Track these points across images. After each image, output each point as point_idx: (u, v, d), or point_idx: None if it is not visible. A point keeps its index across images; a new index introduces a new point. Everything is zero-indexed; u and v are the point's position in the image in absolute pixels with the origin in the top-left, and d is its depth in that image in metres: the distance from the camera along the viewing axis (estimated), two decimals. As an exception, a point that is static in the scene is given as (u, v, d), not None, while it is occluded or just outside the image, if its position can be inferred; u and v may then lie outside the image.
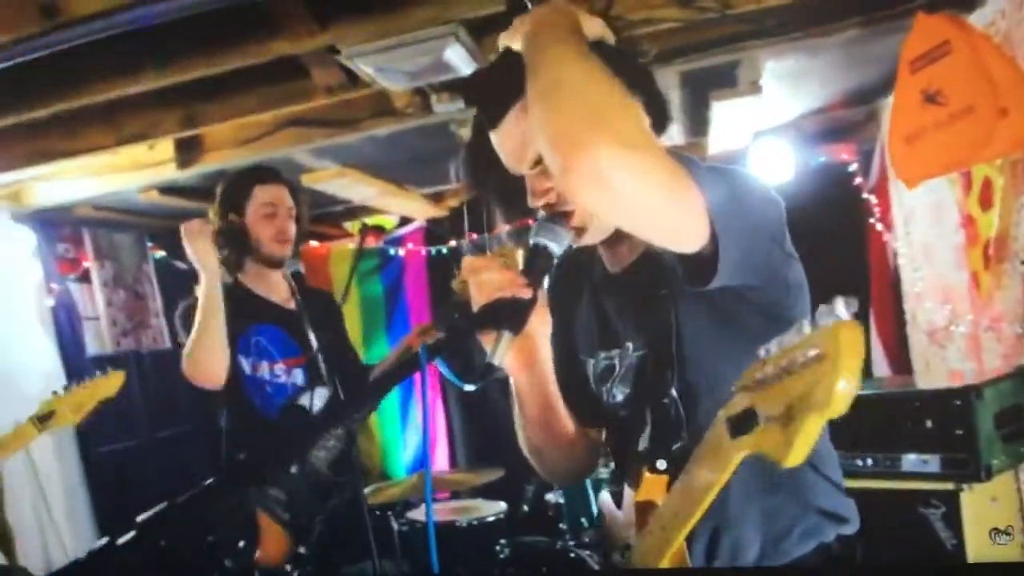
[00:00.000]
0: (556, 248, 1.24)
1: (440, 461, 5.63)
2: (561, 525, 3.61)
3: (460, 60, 2.77)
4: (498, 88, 1.28)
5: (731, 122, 3.97)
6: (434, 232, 5.68)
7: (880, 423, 2.52)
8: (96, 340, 4.47)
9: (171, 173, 3.74)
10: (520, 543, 3.41)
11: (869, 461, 2.54)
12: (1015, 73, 2.48)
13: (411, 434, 5.74)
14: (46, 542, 3.78)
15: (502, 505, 3.82)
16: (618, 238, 1.37)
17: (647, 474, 1.24)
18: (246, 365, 2.82)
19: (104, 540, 0.94)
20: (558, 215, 1.26)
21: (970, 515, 2.35)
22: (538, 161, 1.25)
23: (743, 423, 0.90)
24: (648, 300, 1.34)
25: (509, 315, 1.20)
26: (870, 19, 3.03)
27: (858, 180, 4.69)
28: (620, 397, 1.45)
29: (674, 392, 1.30)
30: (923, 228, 3.39)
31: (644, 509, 1.22)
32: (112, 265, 4.62)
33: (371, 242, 5.61)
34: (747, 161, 4.61)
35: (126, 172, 3.78)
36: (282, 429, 2.78)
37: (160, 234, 4.99)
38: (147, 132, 3.19)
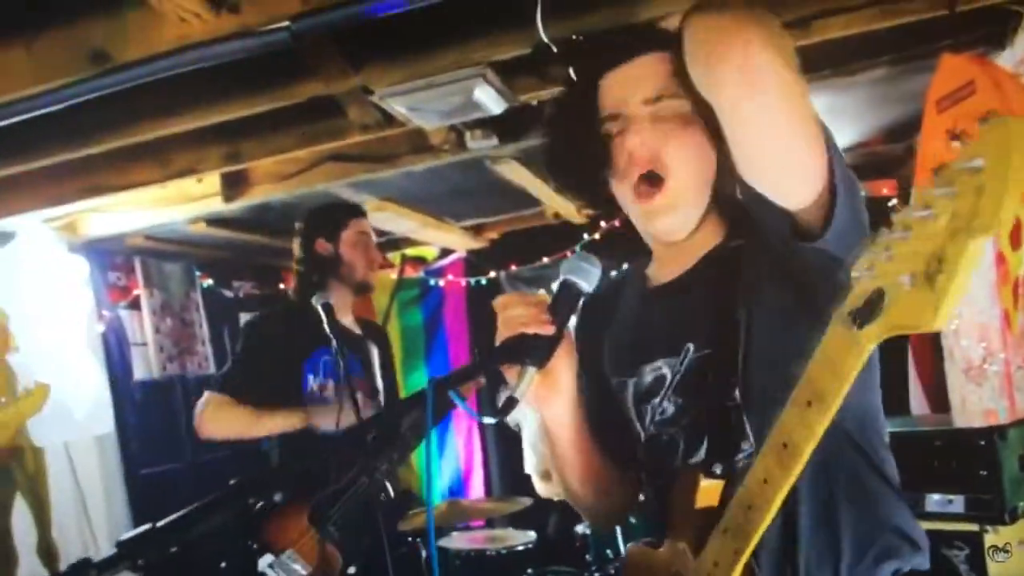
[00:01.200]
0: (585, 286, 1.25)
1: (475, 489, 5.67)
2: (587, 556, 3.62)
3: (489, 100, 2.85)
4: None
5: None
6: (473, 263, 5.76)
7: (906, 461, 2.50)
8: (143, 365, 4.62)
9: (218, 205, 3.88)
10: (547, 572, 3.43)
11: (894, 500, 2.51)
12: (1043, 112, 2.48)
13: (447, 463, 5.80)
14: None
15: (532, 535, 3.84)
16: (676, 243, 1.38)
17: (703, 480, 1.21)
18: (313, 384, 2.92)
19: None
20: (590, 249, 1.30)
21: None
22: (654, 99, 1.29)
23: (870, 310, 0.82)
24: (714, 300, 1.32)
25: (532, 350, 1.21)
26: (897, 58, 3.04)
27: (897, 215, 4.65)
28: (671, 411, 1.38)
29: (737, 395, 1.27)
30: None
31: (706, 517, 1.18)
32: (161, 293, 4.78)
33: (411, 272, 5.71)
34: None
35: (175, 204, 3.94)
36: (344, 448, 2.83)
37: (207, 263, 5.16)
38: (193, 167, 3.32)
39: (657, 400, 1.40)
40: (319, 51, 2.52)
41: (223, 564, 2.62)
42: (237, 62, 2.39)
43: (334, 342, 2.85)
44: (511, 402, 1.19)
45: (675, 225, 1.36)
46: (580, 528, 3.74)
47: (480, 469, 5.73)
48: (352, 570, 2.81)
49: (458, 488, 5.80)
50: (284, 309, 3.29)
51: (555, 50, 2.71)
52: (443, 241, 5.48)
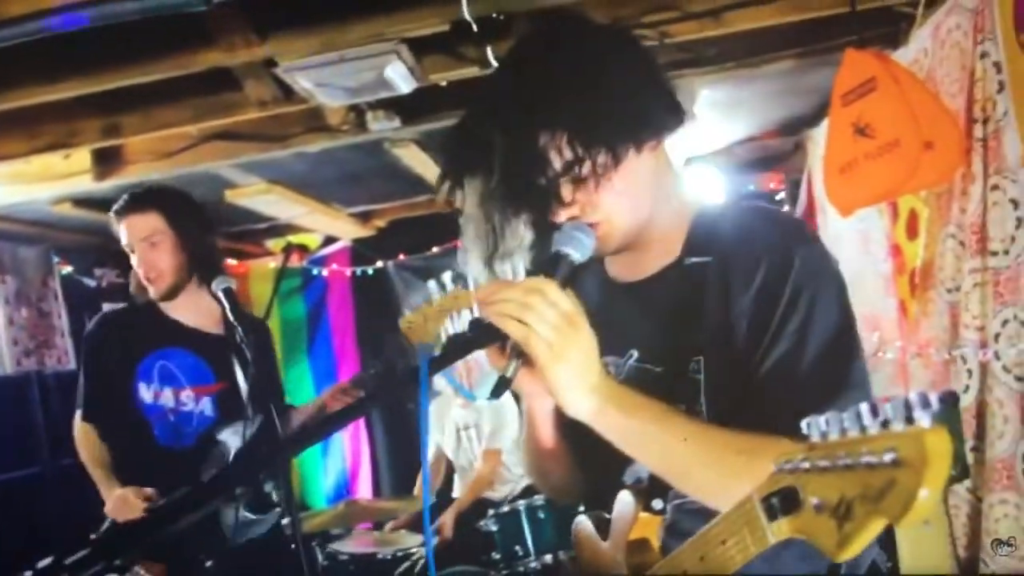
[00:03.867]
0: (579, 257, 1.18)
1: (363, 489, 5.50)
2: (494, 555, 3.53)
3: (400, 78, 2.73)
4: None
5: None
6: (360, 253, 5.58)
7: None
8: (-6, 360, 4.22)
9: (87, 184, 3.56)
10: (450, 574, 3.32)
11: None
12: (938, 108, 2.57)
13: (332, 462, 5.59)
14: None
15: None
16: (641, 246, 1.31)
17: (642, 512, 1.20)
18: (146, 392, 2.65)
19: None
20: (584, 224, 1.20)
21: (903, 538, 2.40)
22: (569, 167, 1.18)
23: (782, 503, 0.85)
24: (672, 312, 1.27)
25: None
26: (804, 52, 3.12)
27: (786, 208, 4.82)
28: None
29: None
30: (851, 256, 3.49)
31: (637, 548, 1.18)
32: (15, 280, 4.37)
33: (294, 261, 5.48)
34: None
35: (38, 182, 3.58)
36: (193, 462, 2.63)
37: (67, 249, 4.75)
38: (66, 141, 3.03)
39: None
40: (225, 18, 2.32)
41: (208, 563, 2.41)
42: (129, 24, 2.18)
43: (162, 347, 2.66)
44: (504, 381, 1.11)
45: (618, 248, 1.30)
46: (485, 525, 3.63)
47: (368, 468, 5.57)
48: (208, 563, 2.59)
49: (344, 488, 5.60)
50: (121, 311, 2.88)
51: (475, 28, 2.62)
52: (329, 228, 5.28)
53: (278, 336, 5.51)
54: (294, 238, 5.33)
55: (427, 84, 2.89)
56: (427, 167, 4.03)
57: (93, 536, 2.55)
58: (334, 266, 5.59)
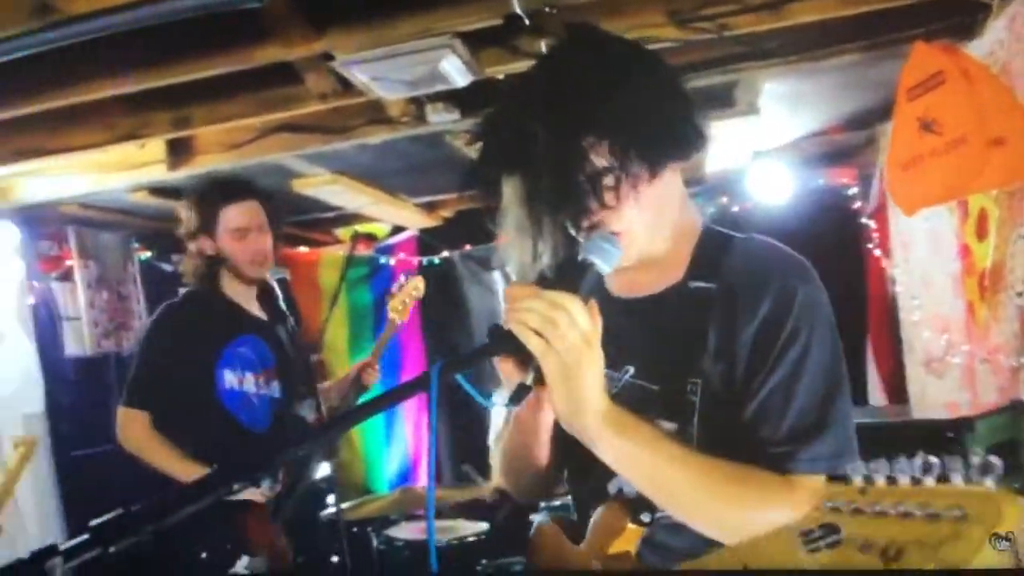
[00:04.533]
0: (605, 267, 1.20)
1: (424, 476, 5.57)
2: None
3: (455, 71, 2.74)
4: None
5: (729, 142, 3.96)
6: (426, 242, 5.64)
7: (871, 453, 2.49)
8: (76, 341, 4.41)
9: (161, 174, 3.69)
10: (502, 566, 3.32)
11: (857, 491, 2.50)
12: (1011, 104, 2.47)
13: (395, 449, 5.67)
14: (13, 542, 3.70)
15: (483, 525, 3.76)
16: (645, 264, 1.30)
17: (629, 524, 1.21)
18: (232, 379, 2.74)
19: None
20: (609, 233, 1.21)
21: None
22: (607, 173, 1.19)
23: (821, 536, 0.83)
24: (673, 333, 1.28)
25: None
26: (869, 45, 3.02)
27: (857, 204, 4.69)
28: None
29: None
30: (921, 256, 3.38)
31: (618, 558, 1.19)
32: (96, 265, 4.56)
33: (362, 250, 5.56)
34: (746, 181, 4.62)
35: (115, 171, 3.74)
36: (272, 440, 2.73)
37: (146, 235, 4.94)
38: (138, 132, 3.15)
39: None
40: (282, 13, 2.38)
41: (203, 555, 2.50)
42: (192, 21, 2.25)
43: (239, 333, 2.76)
44: (523, 389, 1.12)
45: (631, 261, 1.30)
46: (536, 517, 3.64)
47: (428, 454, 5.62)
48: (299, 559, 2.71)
49: (406, 475, 5.68)
50: (186, 300, 2.98)
51: (527, 22, 2.62)
52: (395, 218, 5.34)
53: (347, 322, 5.62)
54: (362, 227, 5.41)
55: (483, 77, 2.90)
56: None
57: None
58: (401, 255, 5.66)
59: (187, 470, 2.60)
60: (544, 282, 1.21)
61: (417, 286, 3.33)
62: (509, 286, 1.23)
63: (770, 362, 1.19)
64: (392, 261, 5.68)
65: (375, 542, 3.50)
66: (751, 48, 2.99)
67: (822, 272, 1.27)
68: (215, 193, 2.84)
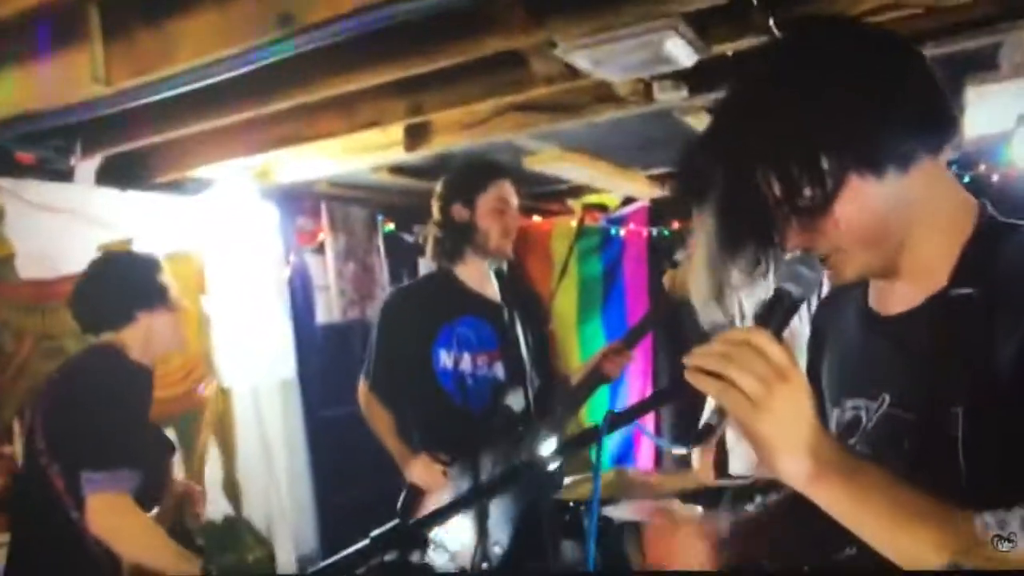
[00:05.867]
0: (802, 293, 1.10)
1: (643, 456, 5.53)
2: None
3: (680, 52, 2.64)
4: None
5: (990, 106, 3.54)
6: (658, 212, 5.54)
7: None
8: (326, 309, 4.77)
9: (400, 154, 3.88)
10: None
11: None
12: None
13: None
14: (268, 498, 4.11)
15: (698, 510, 3.66)
16: (902, 274, 1.18)
17: None
18: (447, 359, 2.84)
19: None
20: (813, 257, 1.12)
21: None
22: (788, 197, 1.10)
23: None
24: (932, 352, 1.13)
25: None
26: None
27: None
28: None
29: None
30: None
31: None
32: (345, 237, 4.89)
33: (593, 220, 5.56)
34: (1010, 145, 4.15)
35: (360, 153, 3.97)
36: (487, 422, 2.81)
37: (389, 209, 5.23)
38: (378, 120, 3.32)
39: (852, 441, 1.24)
40: (500, 6, 2.39)
41: None
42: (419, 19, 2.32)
43: (462, 314, 2.83)
44: (708, 430, 1.06)
45: (853, 279, 1.19)
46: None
47: (652, 433, 5.57)
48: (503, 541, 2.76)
49: (625, 453, 5.64)
50: (419, 282, 3.13)
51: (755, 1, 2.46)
52: (627, 189, 5.29)
53: (576, 292, 5.66)
54: (593, 198, 5.41)
55: (711, 55, 2.76)
56: (721, 133, 3.88)
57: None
58: (632, 226, 5.61)
59: (404, 457, 2.85)
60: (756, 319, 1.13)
61: None
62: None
63: None
64: (622, 232, 5.64)
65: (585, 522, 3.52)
66: (1020, 2, 2.63)
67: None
68: (482, 168, 3.04)
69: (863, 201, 1.08)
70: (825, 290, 1.41)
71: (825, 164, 1.06)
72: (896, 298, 1.21)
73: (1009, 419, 1.01)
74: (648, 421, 5.16)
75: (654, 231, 5.54)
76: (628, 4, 2.41)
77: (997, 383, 1.03)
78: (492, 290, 2.92)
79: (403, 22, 2.30)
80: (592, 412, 4.45)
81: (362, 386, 3.04)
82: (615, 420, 1.06)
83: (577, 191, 5.44)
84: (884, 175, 1.09)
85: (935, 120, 1.13)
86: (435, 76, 2.96)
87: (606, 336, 5.58)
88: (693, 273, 1.21)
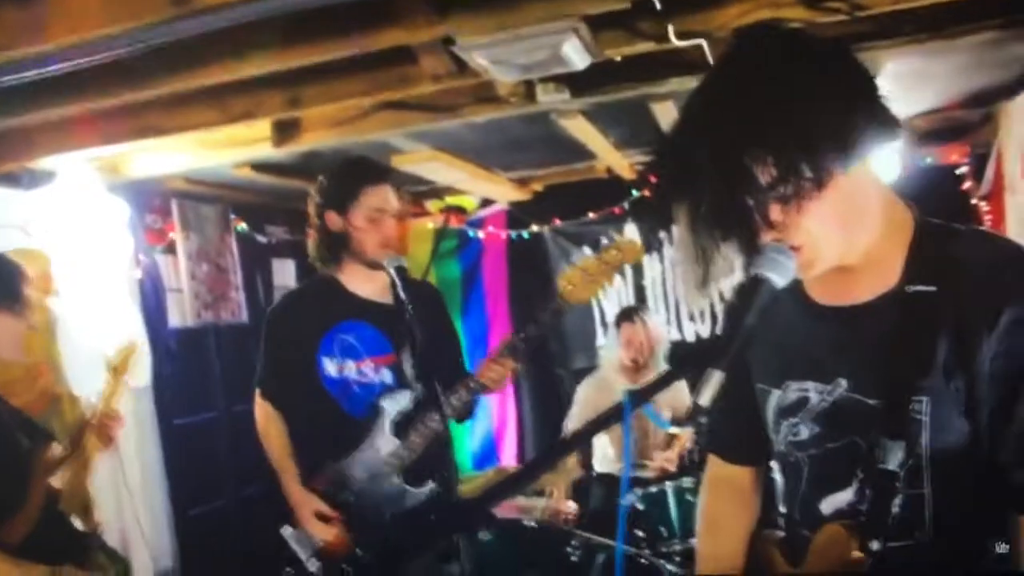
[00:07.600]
0: (780, 281, 1.15)
1: (507, 455, 5.58)
2: (638, 531, 3.52)
3: (577, 55, 2.68)
4: None
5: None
6: (516, 216, 5.61)
7: None
8: (179, 312, 4.50)
9: (266, 151, 3.73)
10: (591, 544, 3.27)
11: None
12: None
13: (479, 425, 5.65)
14: (121, 510, 3.83)
15: (572, 505, 3.74)
16: (851, 269, 1.25)
17: (855, 552, 1.16)
18: (331, 367, 2.75)
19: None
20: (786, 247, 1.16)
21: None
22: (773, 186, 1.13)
23: None
24: (891, 344, 1.21)
25: (712, 356, 1.12)
26: (1009, 21, 2.87)
27: (967, 184, 4.49)
28: (805, 435, 1.34)
29: (896, 468, 1.19)
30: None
31: None
32: (197, 237, 4.64)
33: (459, 223, 5.54)
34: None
35: (223, 148, 3.78)
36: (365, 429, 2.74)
37: (242, 207, 5.01)
38: (252, 112, 3.16)
39: (795, 420, 1.36)
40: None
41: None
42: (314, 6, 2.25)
43: (343, 320, 2.74)
44: (698, 409, 1.10)
45: (819, 272, 1.25)
46: (629, 501, 3.57)
47: (514, 434, 5.63)
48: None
49: (490, 453, 5.69)
50: (303, 288, 2.96)
51: (659, 7, 2.55)
52: (486, 192, 5.32)
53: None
54: (451, 199, 5.40)
55: (602, 59, 2.83)
56: (591, 137, 3.99)
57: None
58: (490, 228, 5.65)
59: (291, 485, 2.73)
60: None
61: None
62: None
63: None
64: (481, 234, 5.66)
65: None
66: (881, 27, 2.87)
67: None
68: (356, 172, 2.80)
69: (839, 191, 1.14)
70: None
71: (814, 154, 1.11)
72: (845, 290, 1.29)
73: (976, 412, 1.15)
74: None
75: (513, 234, 5.60)
76: (530, 4, 2.44)
77: (973, 381, 1.15)
78: (382, 292, 2.79)
79: (299, 10, 2.23)
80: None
81: (257, 397, 2.89)
82: (639, 396, 1.09)
83: (436, 192, 5.41)
84: (850, 168, 1.16)
85: (887, 118, 1.21)
86: (316, 69, 2.87)
87: (467, 338, 5.58)
88: (680, 265, 1.25)
